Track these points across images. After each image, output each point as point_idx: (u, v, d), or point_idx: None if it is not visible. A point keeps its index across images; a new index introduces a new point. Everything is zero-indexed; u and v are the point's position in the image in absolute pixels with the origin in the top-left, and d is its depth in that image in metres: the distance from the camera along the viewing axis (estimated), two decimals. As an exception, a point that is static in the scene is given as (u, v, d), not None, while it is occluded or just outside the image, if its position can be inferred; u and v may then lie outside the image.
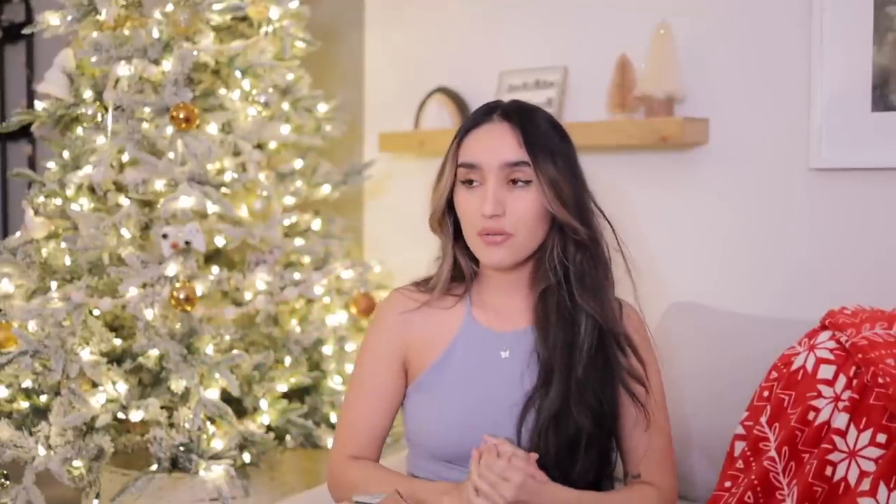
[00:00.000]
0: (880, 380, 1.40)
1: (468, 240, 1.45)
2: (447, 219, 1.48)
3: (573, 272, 1.43)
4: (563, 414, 1.39)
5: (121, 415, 2.13)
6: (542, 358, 1.43)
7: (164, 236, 2.17)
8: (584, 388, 1.40)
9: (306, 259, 2.55)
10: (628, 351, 1.45)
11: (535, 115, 1.43)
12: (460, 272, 1.51)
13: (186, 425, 2.09)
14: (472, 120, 1.45)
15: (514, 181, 1.39)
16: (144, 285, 2.17)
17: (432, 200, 1.49)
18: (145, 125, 2.26)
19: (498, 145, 1.39)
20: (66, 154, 2.32)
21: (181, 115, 2.18)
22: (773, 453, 1.48)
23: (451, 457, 1.45)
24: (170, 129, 2.22)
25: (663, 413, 1.50)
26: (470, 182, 1.41)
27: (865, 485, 1.34)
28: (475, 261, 1.49)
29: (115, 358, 2.22)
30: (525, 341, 1.47)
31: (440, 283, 1.51)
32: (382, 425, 1.53)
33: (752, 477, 1.48)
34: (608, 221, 1.48)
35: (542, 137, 1.40)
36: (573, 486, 1.39)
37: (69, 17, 2.28)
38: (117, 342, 2.25)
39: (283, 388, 2.37)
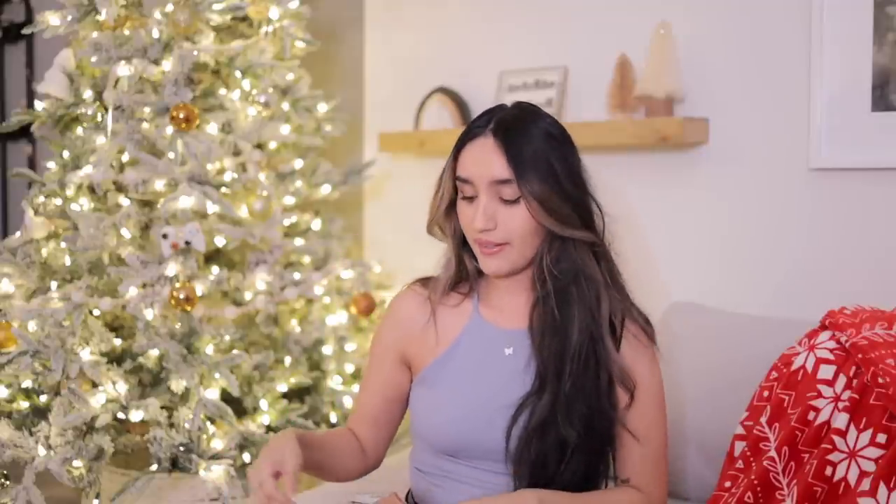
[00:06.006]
0: (880, 380, 1.40)
1: (471, 245, 1.47)
2: (449, 223, 1.50)
3: (572, 276, 1.42)
4: (550, 423, 1.39)
5: (121, 415, 2.12)
6: (537, 364, 1.44)
7: (164, 236, 2.17)
8: (573, 399, 1.40)
9: (306, 259, 2.55)
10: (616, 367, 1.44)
11: (527, 127, 1.41)
12: (466, 272, 1.53)
13: (186, 425, 2.09)
14: (470, 131, 1.45)
15: (503, 199, 1.40)
16: (144, 285, 2.17)
17: (431, 208, 1.51)
18: (145, 125, 2.26)
19: (486, 162, 1.40)
20: (66, 154, 2.32)
21: (181, 115, 2.18)
22: (773, 453, 1.48)
23: (452, 450, 1.46)
24: (170, 129, 2.22)
25: (661, 423, 1.48)
26: (467, 196, 1.43)
27: (865, 485, 1.34)
28: None
29: (115, 358, 2.22)
30: (527, 341, 1.47)
31: (443, 282, 1.53)
32: (372, 405, 1.57)
33: (752, 477, 1.48)
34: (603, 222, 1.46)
35: (529, 152, 1.39)
36: (561, 489, 1.39)
37: (69, 17, 2.28)
38: (117, 342, 2.25)
39: (283, 388, 2.38)
